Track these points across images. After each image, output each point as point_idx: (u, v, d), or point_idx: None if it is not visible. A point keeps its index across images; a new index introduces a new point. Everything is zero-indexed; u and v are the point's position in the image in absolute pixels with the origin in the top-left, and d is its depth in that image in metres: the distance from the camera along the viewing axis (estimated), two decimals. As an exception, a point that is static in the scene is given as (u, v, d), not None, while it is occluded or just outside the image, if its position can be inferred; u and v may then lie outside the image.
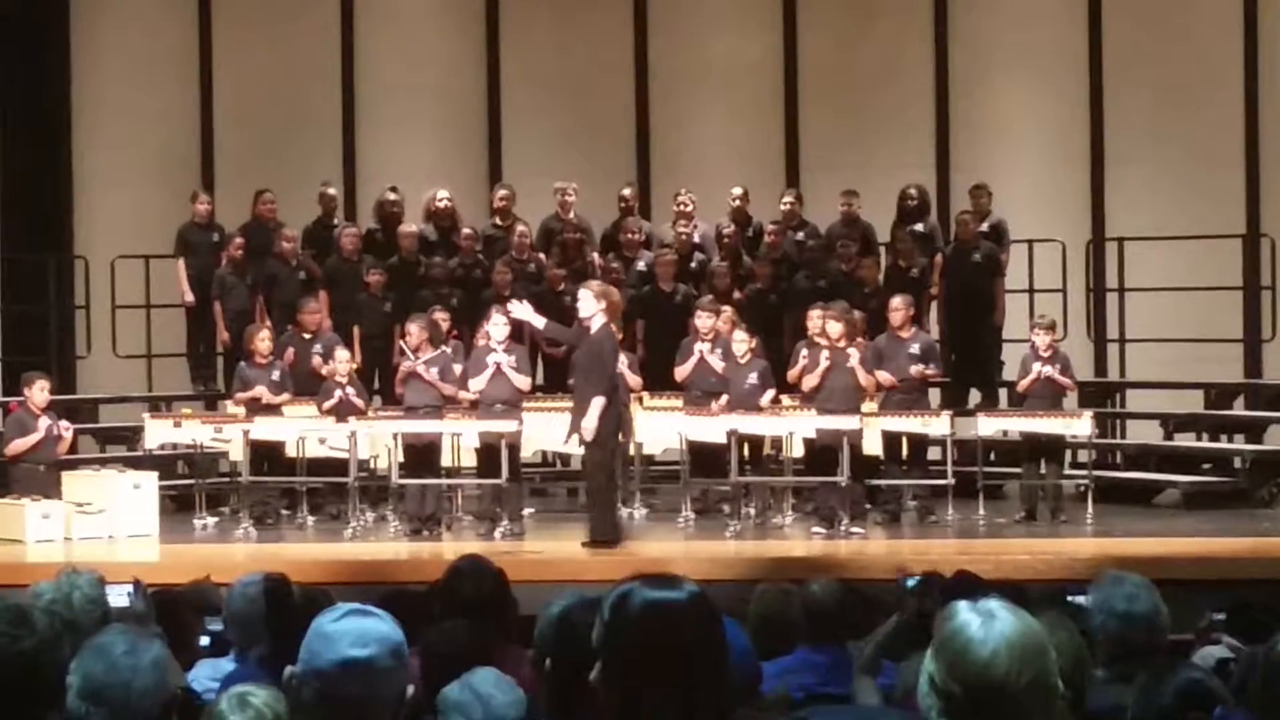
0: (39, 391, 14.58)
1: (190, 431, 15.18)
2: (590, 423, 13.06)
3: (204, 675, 6.14)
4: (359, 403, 14.94)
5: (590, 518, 13.56)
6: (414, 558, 13.53)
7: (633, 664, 3.11)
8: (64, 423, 14.77)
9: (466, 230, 16.90)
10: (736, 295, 16.19)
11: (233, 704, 3.82)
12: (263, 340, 15.26)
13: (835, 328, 14.40)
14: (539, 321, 13.68)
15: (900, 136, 19.20)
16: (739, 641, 4.92)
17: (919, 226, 17.14)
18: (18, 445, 14.47)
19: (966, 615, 3.08)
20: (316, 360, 15.58)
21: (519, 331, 15.22)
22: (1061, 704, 3.14)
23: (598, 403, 13.08)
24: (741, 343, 14.80)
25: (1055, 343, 15.19)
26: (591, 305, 13.28)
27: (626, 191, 17.56)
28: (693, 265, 16.78)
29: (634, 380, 15.22)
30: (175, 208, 17.79)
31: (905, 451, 14.86)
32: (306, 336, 15.77)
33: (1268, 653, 4.10)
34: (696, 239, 16.94)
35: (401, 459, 14.45)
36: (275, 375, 15.20)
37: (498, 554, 10.34)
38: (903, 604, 7.07)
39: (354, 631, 3.88)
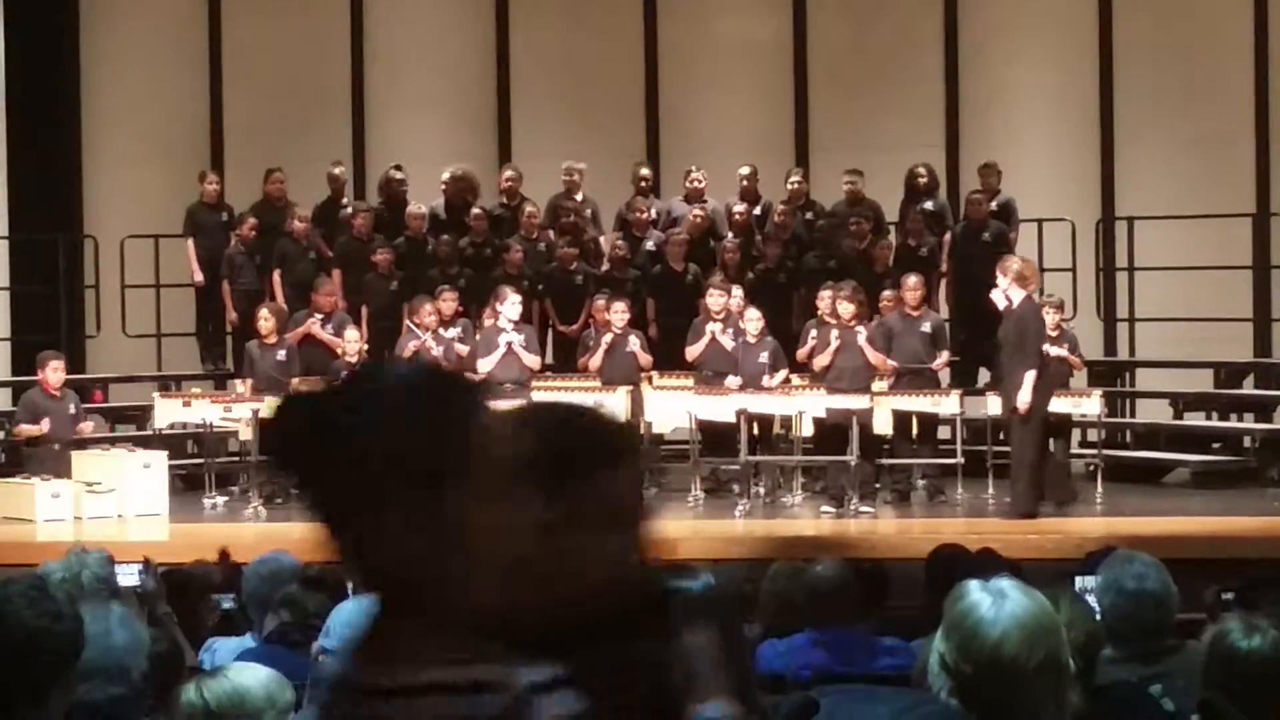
0: (52, 372, 14.58)
1: (199, 411, 15.16)
2: (1025, 397, 13.12)
3: (227, 650, 6.16)
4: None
5: (1014, 492, 13.55)
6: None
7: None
8: (88, 422, 14.84)
9: (475, 210, 16.85)
10: (749, 276, 16.15)
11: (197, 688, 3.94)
12: (264, 320, 15.25)
13: (846, 308, 14.40)
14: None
15: (910, 116, 19.13)
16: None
17: (928, 205, 17.10)
18: (23, 430, 14.53)
19: (977, 595, 3.08)
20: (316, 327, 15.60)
21: (528, 310, 15.20)
22: (1072, 677, 3.14)
23: (1029, 377, 13.13)
24: (754, 321, 14.81)
25: (1064, 322, 15.16)
26: (1003, 281, 13.35)
27: (644, 171, 17.47)
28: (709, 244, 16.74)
29: (645, 360, 15.24)
30: (184, 187, 17.79)
31: (915, 430, 14.86)
32: (319, 316, 15.75)
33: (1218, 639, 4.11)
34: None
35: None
36: (281, 355, 15.18)
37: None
38: None
39: None
